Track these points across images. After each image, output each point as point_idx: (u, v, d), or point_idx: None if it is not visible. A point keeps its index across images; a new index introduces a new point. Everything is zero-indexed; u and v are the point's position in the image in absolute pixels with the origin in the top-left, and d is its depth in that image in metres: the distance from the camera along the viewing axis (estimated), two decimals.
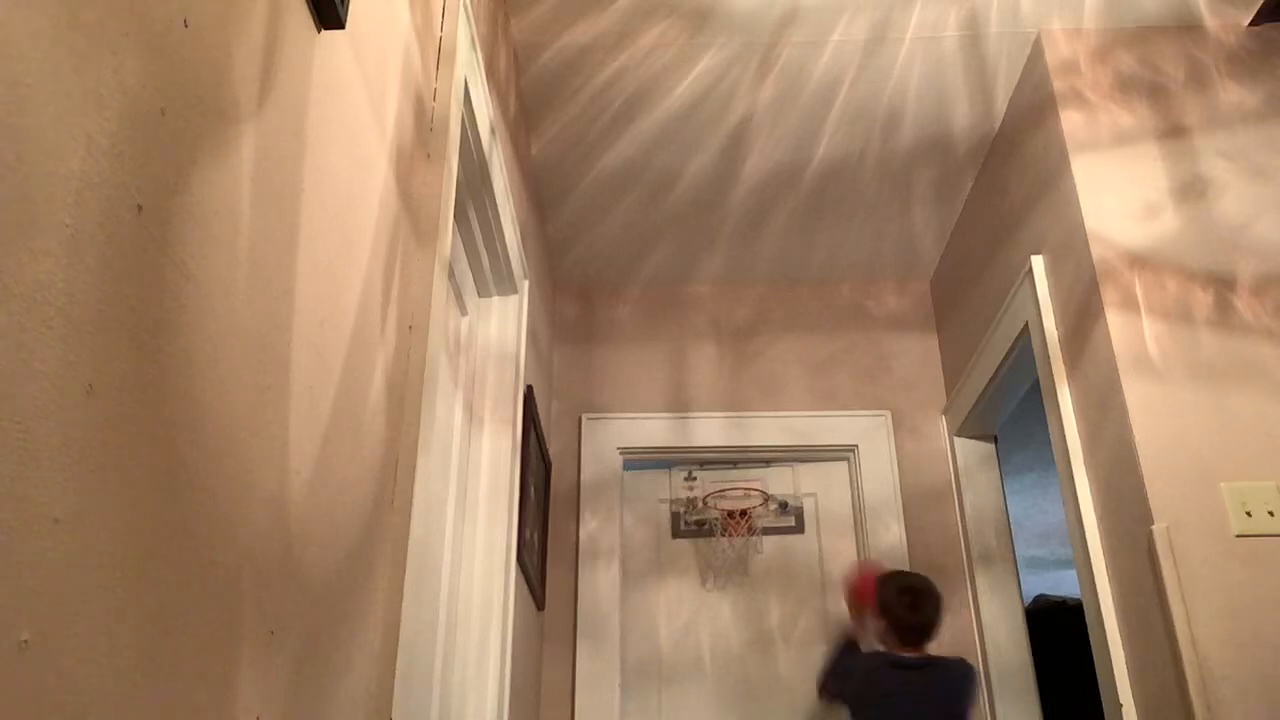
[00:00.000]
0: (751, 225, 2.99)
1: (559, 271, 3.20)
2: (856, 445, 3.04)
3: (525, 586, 2.29)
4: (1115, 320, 1.96)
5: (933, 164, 2.73)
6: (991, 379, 2.63)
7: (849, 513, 3.03)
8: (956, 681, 2.23)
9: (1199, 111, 2.16)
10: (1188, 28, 2.25)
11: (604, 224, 2.98)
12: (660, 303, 3.26)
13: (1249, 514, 1.77)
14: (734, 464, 3.11)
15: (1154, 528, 1.77)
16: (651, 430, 3.07)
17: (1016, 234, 2.45)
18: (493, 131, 1.90)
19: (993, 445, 2.98)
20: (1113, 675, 1.88)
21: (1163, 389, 1.89)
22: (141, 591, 0.63)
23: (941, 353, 3.15)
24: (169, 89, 0.68)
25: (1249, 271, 1.99)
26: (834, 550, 3.00)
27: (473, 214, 1.97)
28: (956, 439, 2.98)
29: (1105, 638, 1.91)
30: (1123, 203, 2.07)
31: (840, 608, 2.91)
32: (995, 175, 2.63)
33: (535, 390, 2.51)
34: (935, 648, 2.28)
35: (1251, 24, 2.23)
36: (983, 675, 2.73)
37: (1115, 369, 1.92)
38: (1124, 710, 1.85)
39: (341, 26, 1.01)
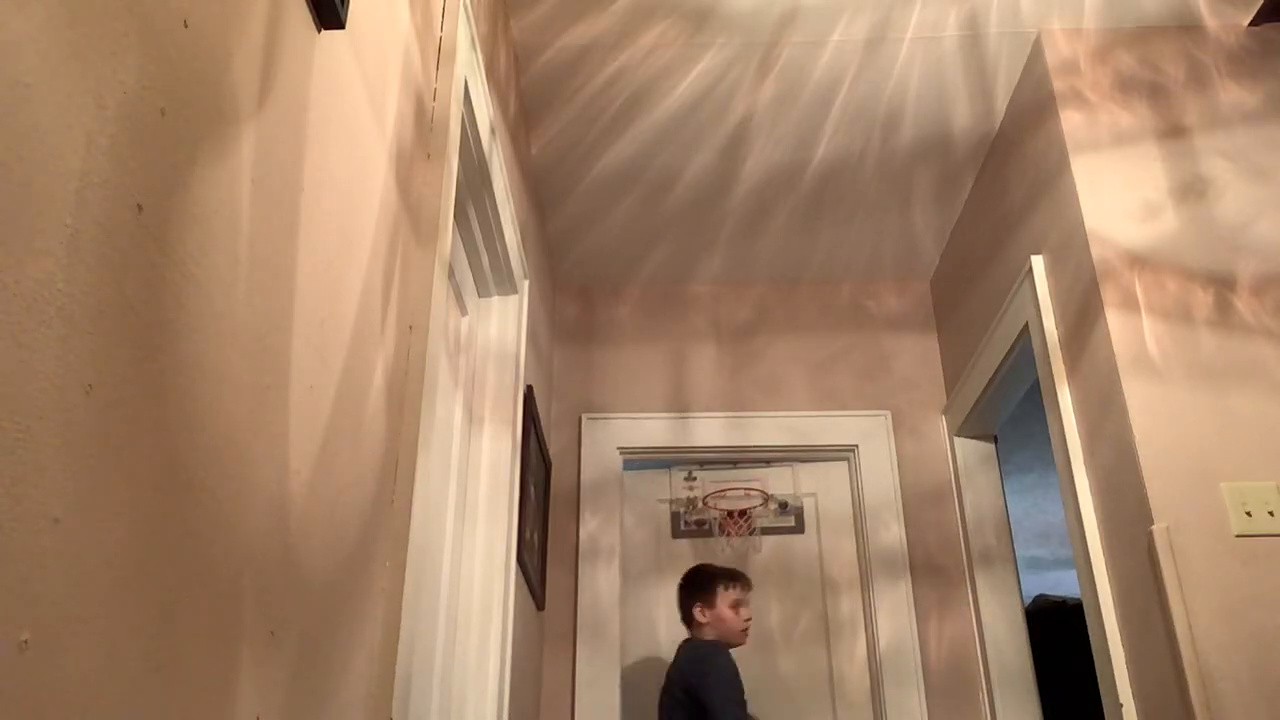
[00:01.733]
0: (751, 225, 2.99)
1: (559, 271, 3.21)
2: (856, 445, 3.04)
3: (525, 586, 2.29)
4: (1115, 320, 1.96)
5: (933, 164, 2.73)
6: (991, 379, 2.63)
7: (849, 513, 3.03)
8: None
9: (1199, 111, 2.16)
10: (1188, 28, 2.25)
11: (604, 224, 2.98)
12: (660, 303, 3.26)
13: (1249, 514, 1.77)
14: (734, 464, 3.11)
15: (1154, 528, 1.77)
16: (651, 430, 3.07)
17: (1016, 234, 2.45)
18: (493, 131, 1.90)
19: (993, 445, 2.98)
20: (1113, 675, 1.88)
21: (1163, 389, 1.89)
22: (141, 591, 0.63)
23: (941, 353, 3.15)
24: (169, 89, 0.68)
25: (1249, 271, 1.99)
26: (834, 550, 3.00)
27: (473, 214, 1.97)
28: (956, 439, 2.98)
29: (1105, 638, 1.91)
30: (1123, 203, 2.07)
31: (840, 609, 2.91)
32: (995, 175, 2.63)
33: (535, 390, 2.51)
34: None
35: (1251, 24, 2.23)
36: (983, 675, 2.74)
37: (1115, 369, 1.92)
38: (1124, 710, 1.85)
39: (341, 26, 1.01)
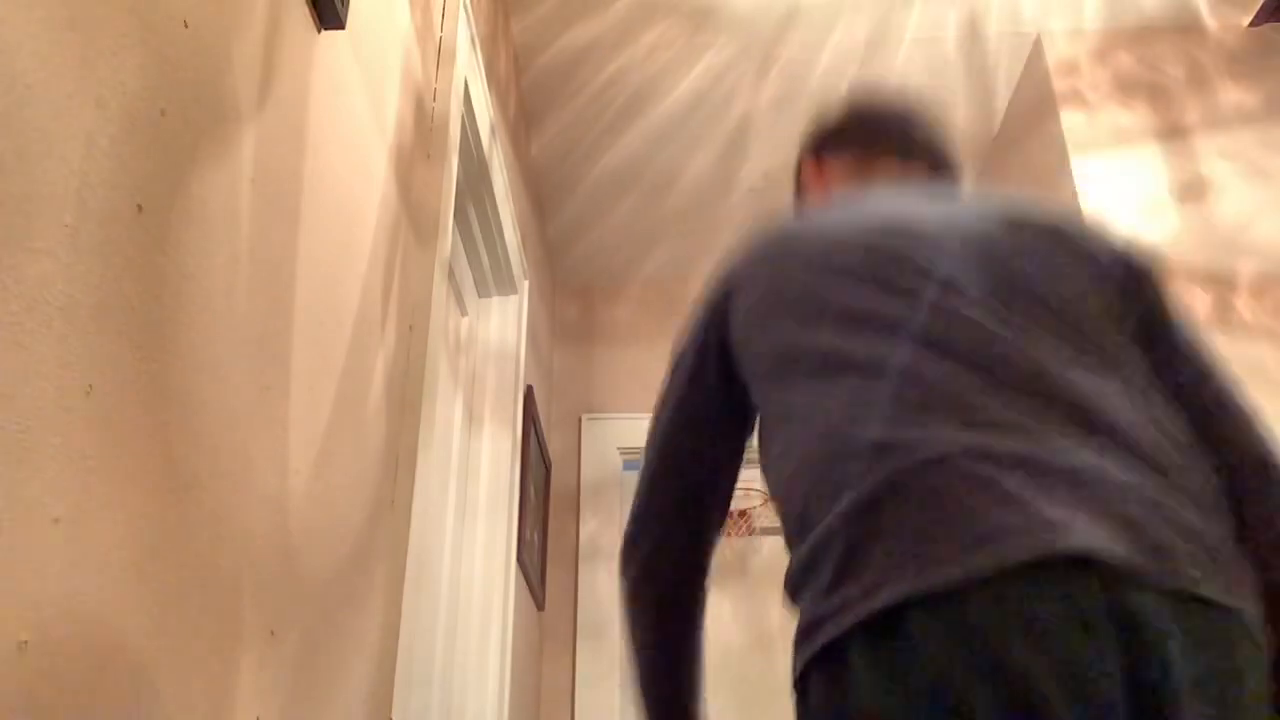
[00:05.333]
0: (751, 225, 2.99)
1: (559, 271, 3.20)
2: None
3: (525, 586, 2.29)
4: None
5: None
6: None
7: None
8: None
9: (1199, 112, 2.16)
10: (1188, 28, 2.25)
11: (604, 224, 2.98)
12: (660, 303, 3.26)
13: None
14: None
15: None
16: None
17: None
18: (493, 131, 1.90)
19: None
20: None
21: None
22: (141, 591, 0.63)
23: None
24: (169, 89, 0.68)
25: (1249, 271, 1.99)
26: None
27: (473, 214, 1.97)
28: None
29: None
30: (1123, 203, 2.07)
31: None
32: (995, 176, 2.62)
33: (535, 390, 2.51)
34: None
35: (1251, 24, 2.23)
36: None
37: None
38: None
39: (341, 26, 1.01)
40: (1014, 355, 0.77)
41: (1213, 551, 0.70)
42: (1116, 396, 0.77)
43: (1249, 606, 0.70)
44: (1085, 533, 0.66)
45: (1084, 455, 0.71)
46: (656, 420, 1.00)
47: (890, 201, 0.93)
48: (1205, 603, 0.67)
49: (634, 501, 1.00)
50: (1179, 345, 0.87)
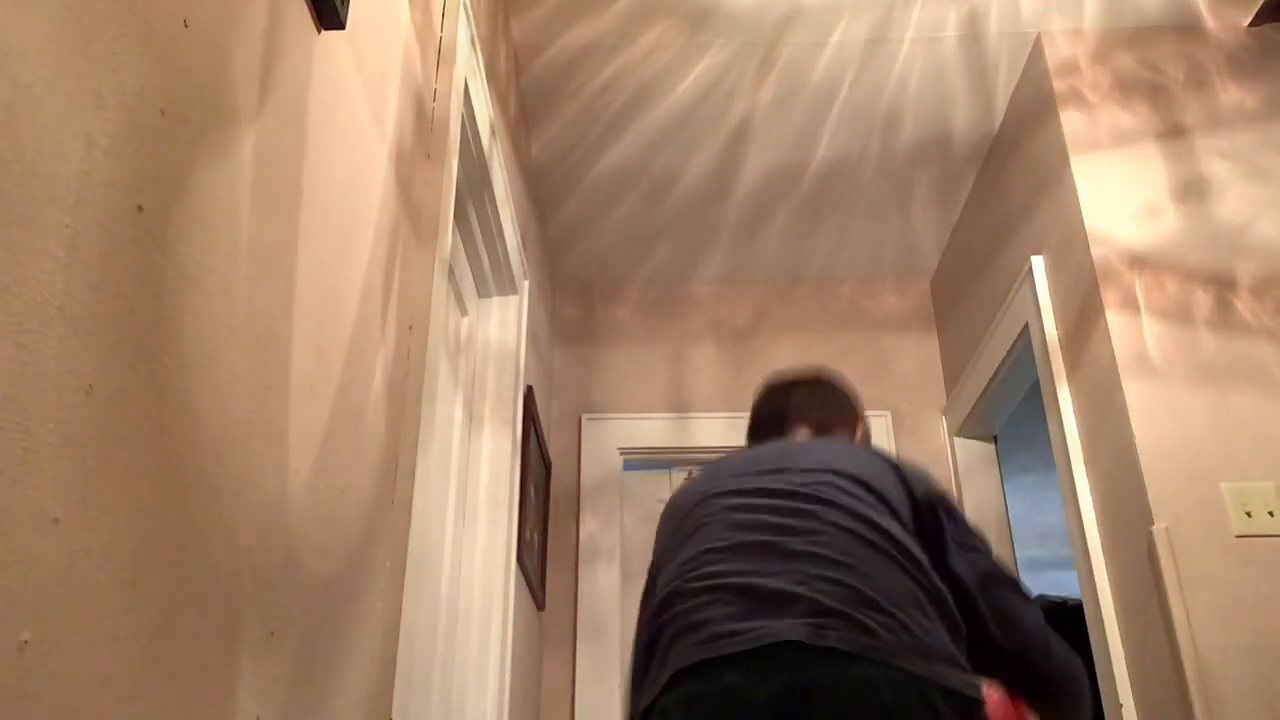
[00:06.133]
0: (751, 225, 2.98)
1: (559, 271, 3.20)
2: None
3: (525, 587, 2.29)
4: (1115, 320, 1.96)
5: (933, 164, 2.72)
6: (991, 379, 2.63)
7: None
8: None
9: (1199, 111, 2.16)
10: (1187, 28, 2.25)
11: (604, 224, 2.98)
12: (660, 303, 3.26)
13: (1249, 514, 1.77)
14: None
15: (1154, 528, 1.77)
16: (651, 430, 3.06)
17: (1016, 234, 2.45)
18: (493, 131, 1.90)
19: (993, 445, 2.98)
20: (1113, 675, 1.88)
21: (1163, 389, 1.89)
22: (141, 591, 0.63)
23: (941, 353, 3.15)
24: (169, 89, 0.68)
25: (1249, 271, 1.99)
26: None
27: (473, 214, 1.97)
28: (956, 439, 2.97)
29: (1105, 638, 1.91)
30: (1123, 203, 2.07)
31: None
32: (995, 175, 2.63)
33: (535, 390, 2.51)
34: None
35: (1251, 24, 2.23)
36: None
37: (1115, 369, 1.92)
38: (1124, 710, 1.85)
39: (341, 27, 1.01)
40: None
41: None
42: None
43: None
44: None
45: None
46: None
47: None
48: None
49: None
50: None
